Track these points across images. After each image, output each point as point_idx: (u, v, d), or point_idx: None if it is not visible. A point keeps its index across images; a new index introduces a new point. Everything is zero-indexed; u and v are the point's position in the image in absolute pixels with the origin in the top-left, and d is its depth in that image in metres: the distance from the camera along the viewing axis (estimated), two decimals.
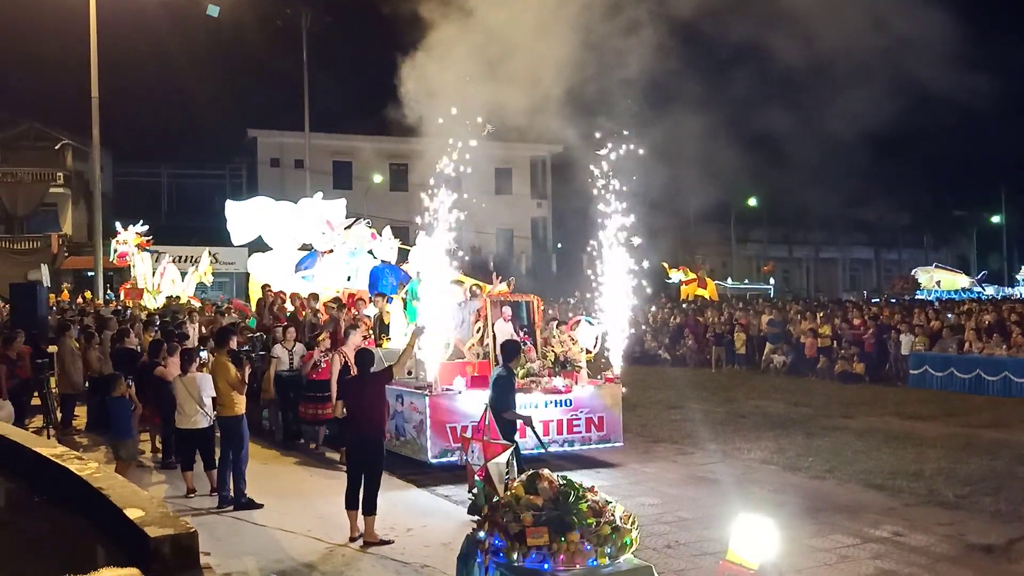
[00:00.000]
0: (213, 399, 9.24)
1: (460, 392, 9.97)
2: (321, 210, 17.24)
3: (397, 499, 8.83)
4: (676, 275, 35.54)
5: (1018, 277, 49.21)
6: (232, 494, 8.71)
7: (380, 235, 16.04)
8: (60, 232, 38.18)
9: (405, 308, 12.90)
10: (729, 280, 44.04)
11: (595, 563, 4.54)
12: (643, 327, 25.91)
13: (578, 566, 4.50)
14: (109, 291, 28.57)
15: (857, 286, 55.43)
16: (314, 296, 14.33)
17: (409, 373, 10.44)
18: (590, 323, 11.44)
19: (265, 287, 15.52)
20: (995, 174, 51.46)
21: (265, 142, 43.05)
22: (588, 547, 4.54)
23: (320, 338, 11.70)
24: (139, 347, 12.72)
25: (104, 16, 25.59)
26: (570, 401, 10.43)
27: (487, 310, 11.03)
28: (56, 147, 38.58)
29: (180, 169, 45.44)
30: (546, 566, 4.49)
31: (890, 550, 7.18)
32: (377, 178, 42.36)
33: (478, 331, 11.15)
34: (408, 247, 17.63)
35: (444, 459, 9.78)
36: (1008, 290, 45.95)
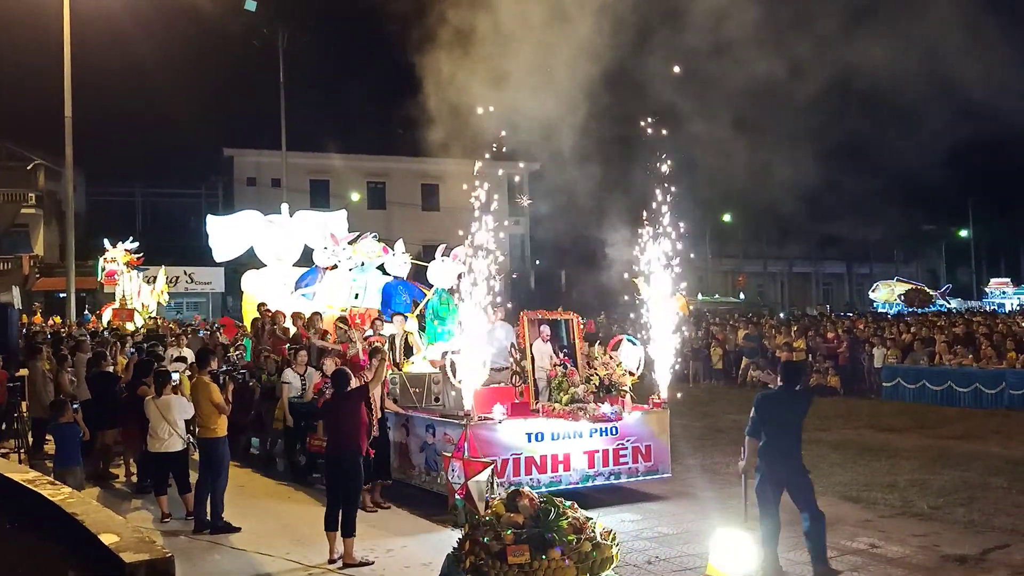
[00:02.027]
0: (188, 421, 9.18)
1: (500, 421, 9.00)
2: (324, 223, 16.31)
3: (415, 539, 8.24)
4: (646, 290, 35.67)
5: (986, 290, 50.12)
6: (209, 517, 8.61)
7: (392, 249, 14.81)
8: (32, 253, 37.69)
9: (423, 327, 12.36)
10: (699, 295, 44.31)
11: None
12: None
13: None
14: (87, 312, 28.20)
15: (830, 300, 56.15)
16: (318, 315, 13.38)
17: (436, 400, 9.83)
18: (633, 343, 10.48)
19: (261, 306, 14.73)
20: (963, 189, 52.38)
21: (241, 161, 42.86)
22: (569, 563, 4.55)
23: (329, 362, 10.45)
24: (113, 369, 12.57)
25: (78, 34, 25.48)
26: (616, 429, 9.51)
27: (524, 330, 10.10)
28: (28, 167, 38.13)
29: (155, 188, 45.11)
30: None
31: (866, 562, 7.24)
32: (355, 196, 42.32)
33: (511, 353, 10.16)
34: (423, 263, 16.63)
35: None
36: (975, 303, 46.79)
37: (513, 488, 5.21)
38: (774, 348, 22.62)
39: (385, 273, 14.81)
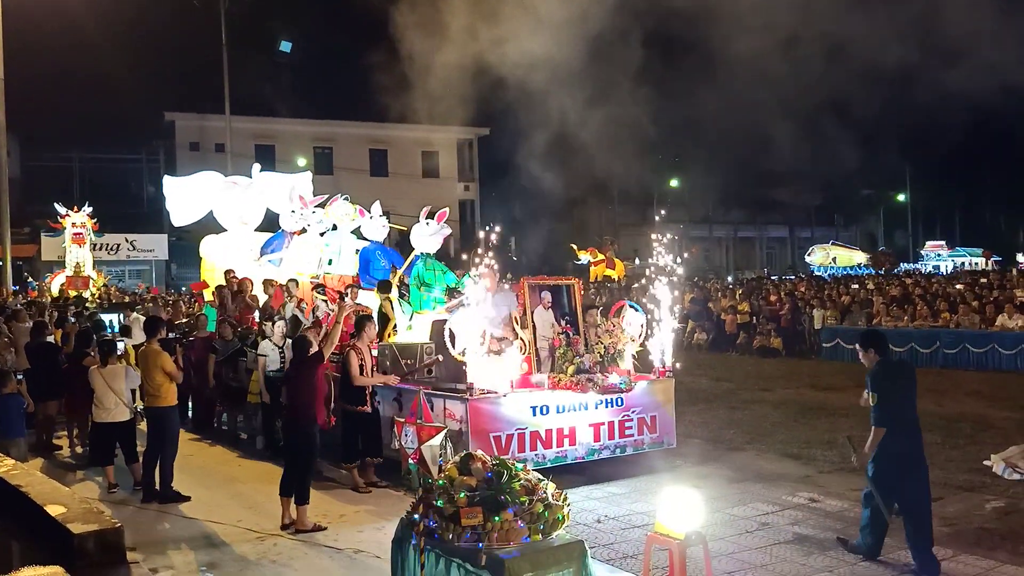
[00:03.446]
0: (135, 390, 9.04)
1: (505, 395, 8.53)
2: (292, 185, 15.52)
3: (368, 504, 8.15)
4: (585, 256, 35.85)
5: (922, 252, 51.76)
6: (158, 487, 8.54)
7: (369, 212, 13.87)
8: None
9: (407, 294, 11.75)
10: (636, 260, 44.91)
11: (528, 540, 4.63)
12: None
13: (512, 544, 4.59)
14: (29, 279, 27.35)
15: (773, 263, 57.41)
16: (294, 283, 12.67)
17: (429, 372, 9.22)
18: (636, 309, 9.97)
19: (228, 273, 14.05)
20: (901, 154, 53.69)
21: (184, 125, 41.69)
22: (522, 525, 4.63)
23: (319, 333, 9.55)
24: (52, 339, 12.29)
25: None
26: (621, 400, 9.14)
27: (525, 297, 9.55)
28: None
29: (93, 154, 43.65)
30: (481, 545, 4.57)
31: (807, 516, 7.52)
32: (301, 162, 41.59)
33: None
34: (401, 228, 15.86)
35: None
36: (911, 265, 48.36)
37: (466, 452, 5.27)
38: (719, 311, 23.07)
39: (360, 238, 14.14)
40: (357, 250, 13.89)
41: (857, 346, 6.58)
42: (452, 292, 11.13)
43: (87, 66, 41.71)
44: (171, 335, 12.32)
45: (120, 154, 43.93)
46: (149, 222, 39.16)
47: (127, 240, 37.11)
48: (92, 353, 10.12)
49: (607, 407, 9.07)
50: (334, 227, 14.18)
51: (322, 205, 14.43)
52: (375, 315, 10.75)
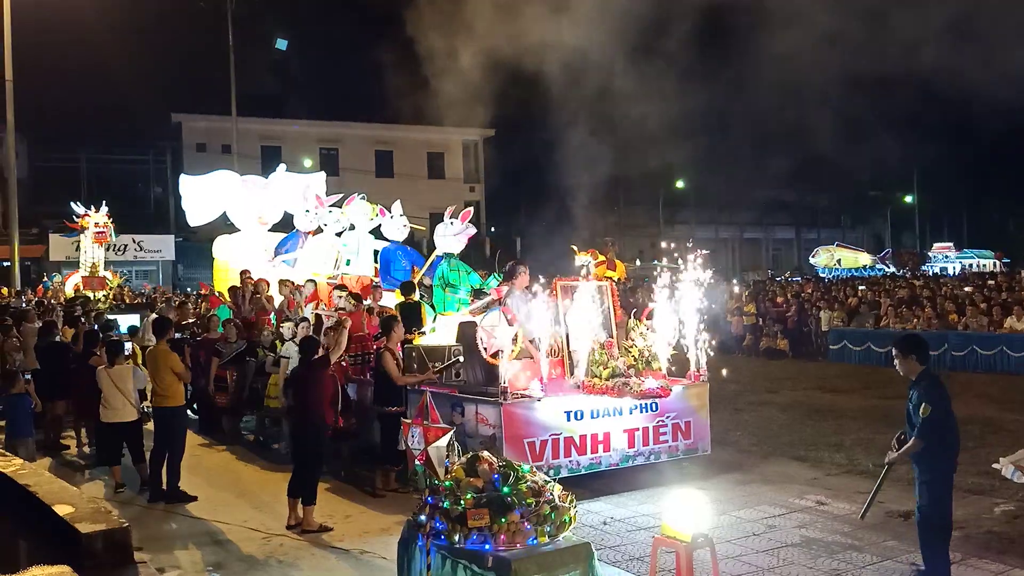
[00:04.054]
0: (142, 391, 9.08)
1: (539, 399, 8.26)
2: (307, 184, 15.36)
3: (375, 505, 8.11)
4: (584, 258, 35.78)
5: (929, 254, 51.59)
6: (165, 487, 8.56)
7: (389, 211, 13.53)
8: None
9: (425, 296, 11.51)
10: (637, 261, 44.76)
11: (535, 542, 4.63)
12: None
13: (519, 546, 4.58)
14: (45, 280, 27.33)
15: (779, 264, 57.30)
16: (311, 283, 12.53)
17: (457, 375, 8.86)
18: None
19: (244, 273, 13.79)
20: (908, 156, 53.54)
21: (190, 126, 41.81)
22: (528, 527, 4.63)
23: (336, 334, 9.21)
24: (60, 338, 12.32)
25: None
26: (656, 405, 8.84)
27: (558, 297, 9.24)
28: None
29: (100, 155, 43.80)
30: (487, 547, 4.56)
31: (814, 519, 7.49)
32: (307, 163, 41.66)
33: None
34: (420, 228, 15.47)
35: None
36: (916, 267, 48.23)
37: (473, 453, 5.26)
38: (725, 312, 23.01)
39: (378, 237, 13.84)
40: (376, 250, 13.63)
41: (894, 351, 6.10)
42: (478, 293, 10.85)
43: (94, 67, 41.83)
44: (178, 335, 12.35)
45: (127, 155, 44.07)
46: (156, 223, 39.27)
47: (134, 240, 37.21)
48: (99, 353, 10.14)
49: (641, 412, 8.80)
50: (351, 226, 13.90)
51: (338, 204, 14.19)
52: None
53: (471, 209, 12.66)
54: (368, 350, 10.12)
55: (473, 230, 12.48)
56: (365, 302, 11.02)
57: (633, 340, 9.19)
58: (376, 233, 13.95)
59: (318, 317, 11.06)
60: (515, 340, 8.35)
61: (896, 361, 6.03)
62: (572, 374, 8.87)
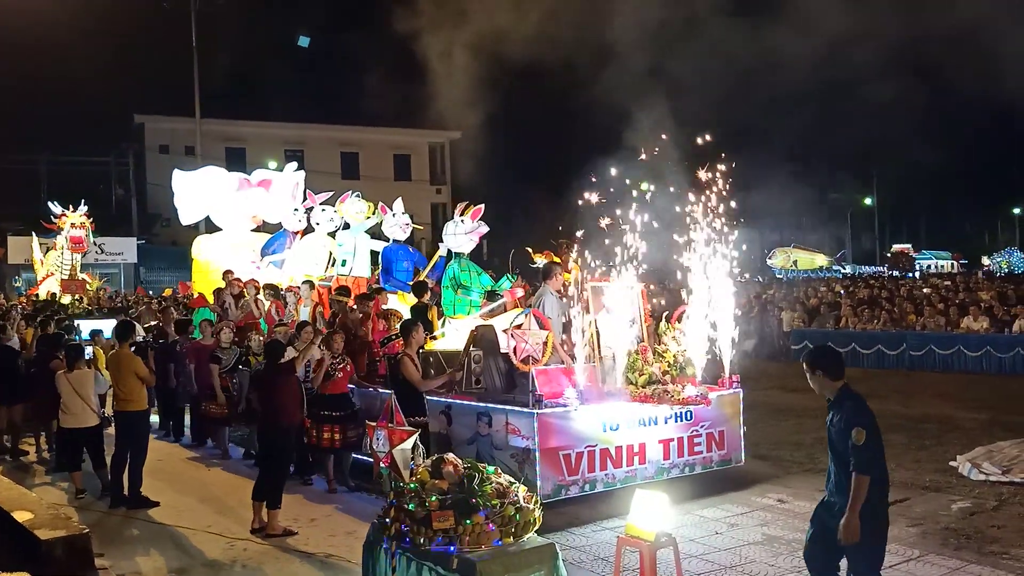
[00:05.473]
0: (102, 396, 8.96)
1: (576, 408, 7.72)
2: (296, 182, 14.85)
3: (340, 509, 8.10)
4: (540, 260, 35.87)
5: (888, 255, 52.67)
6: (126, 492, 8.44)
7: (391, 209, 12.92)
8: None
9: (440, 298, 10.97)
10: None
11: (500, 543, 4.66)
12: None
13: (484, 547, 4.61)
14: (18, 284, 26.58)
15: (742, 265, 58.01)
16: (308, 284, 12.08)
17: (477, 383, 8.40)
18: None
19: (228, 274, 13.23)
20: (867, 159, 54.57)
21: (153, 128, 41.23)
22: (493, 528, 4.65)
23: (335, 339, 9.04)
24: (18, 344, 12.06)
25: None
26: (691, 414, 8.38)
27: (589, 301, 8.63)
28: None
29: (60, 156, 43.01)
30: (452, 548, 4.58)
31: (775, 517, 7.61)
32: (272, 164, 41.28)
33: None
34: (418, 226, 14.86)
35: (559, 497, 7.59)
36: (878, 268, 49.18)
37: (438, 455, 5.28)
38: None
39: (374, 237, 13.35)
40: (374, 250, 13.24)
41: (804, 365, 5.13)
42: (491, 295, 10.45)
43: (55, 68, 41.22)
44: (162, 341, 12.09)
45: (88, 156, 43.33)
46: (117, 225, 38.60)
47: (95, 243, 36.56)
48: (60, 357, 9.99)
49: (676, 422, 8.31)
50: (346, 225, 13.43)
51: (331, 202, 13.73)
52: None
53: (482, 207, 11.89)
54: (376, 357, 9.82)
55: (485, 228, 11.89)
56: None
57: (666, 344, 8.62)
58: (372, 232, 13.48)
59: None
60: (546, 345, 7.94)
61: (808, 376, 5.09)
62: (604, 381, 8.28)
